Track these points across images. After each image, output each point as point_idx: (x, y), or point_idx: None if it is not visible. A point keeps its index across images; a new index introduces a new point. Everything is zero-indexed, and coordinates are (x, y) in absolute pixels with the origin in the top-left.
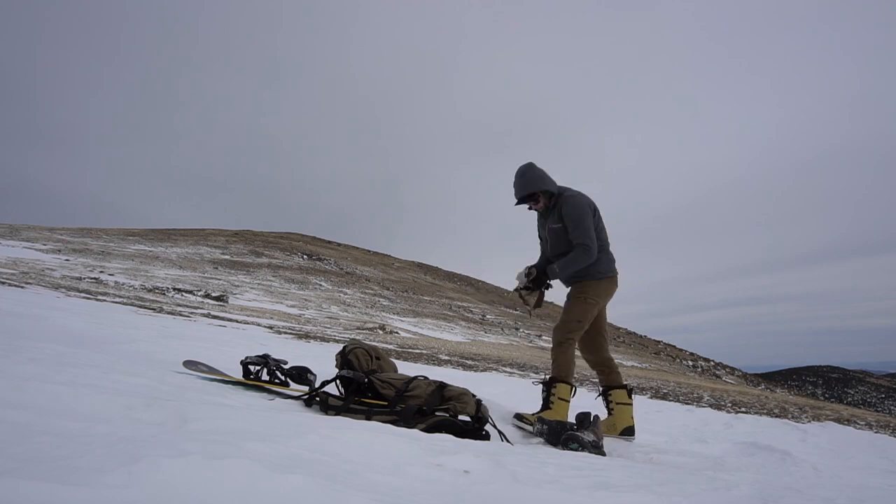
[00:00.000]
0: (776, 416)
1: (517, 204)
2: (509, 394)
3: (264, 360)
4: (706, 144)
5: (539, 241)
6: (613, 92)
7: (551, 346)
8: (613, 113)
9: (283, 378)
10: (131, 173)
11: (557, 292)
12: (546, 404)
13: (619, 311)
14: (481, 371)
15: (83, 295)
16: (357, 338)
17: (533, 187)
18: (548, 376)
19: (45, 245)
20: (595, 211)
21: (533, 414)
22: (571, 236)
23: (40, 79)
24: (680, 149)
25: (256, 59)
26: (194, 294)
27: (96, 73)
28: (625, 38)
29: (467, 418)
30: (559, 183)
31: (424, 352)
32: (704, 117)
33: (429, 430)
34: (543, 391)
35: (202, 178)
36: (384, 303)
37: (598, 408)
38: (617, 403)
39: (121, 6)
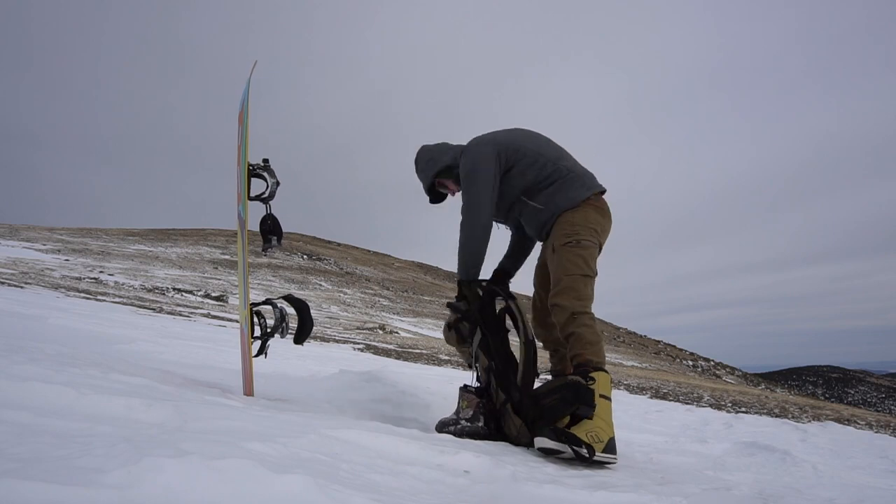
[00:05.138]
0: (776, 416)
1: (432, 202)
2: None
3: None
4: (707, 141)
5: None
6: (621, 102)
7: (559, 323)
8: (615, 120)
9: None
10: (131, 171)
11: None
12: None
13: (620, 310)
14: None
15: (83, 295)
16: (357, 338)
17: (428, 174)
18: (570, 367)
19: (44, 245)
20: (506, 148)
21: (569, 426)
22: None
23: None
24: (680, 147)
25: (257, 54)
26: (194, 294)
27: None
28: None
29: None
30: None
31: (424, 352)
32: (707, 114)
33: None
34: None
35: (203, 176)
36: (384, 303)
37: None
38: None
39: (119, 13)
